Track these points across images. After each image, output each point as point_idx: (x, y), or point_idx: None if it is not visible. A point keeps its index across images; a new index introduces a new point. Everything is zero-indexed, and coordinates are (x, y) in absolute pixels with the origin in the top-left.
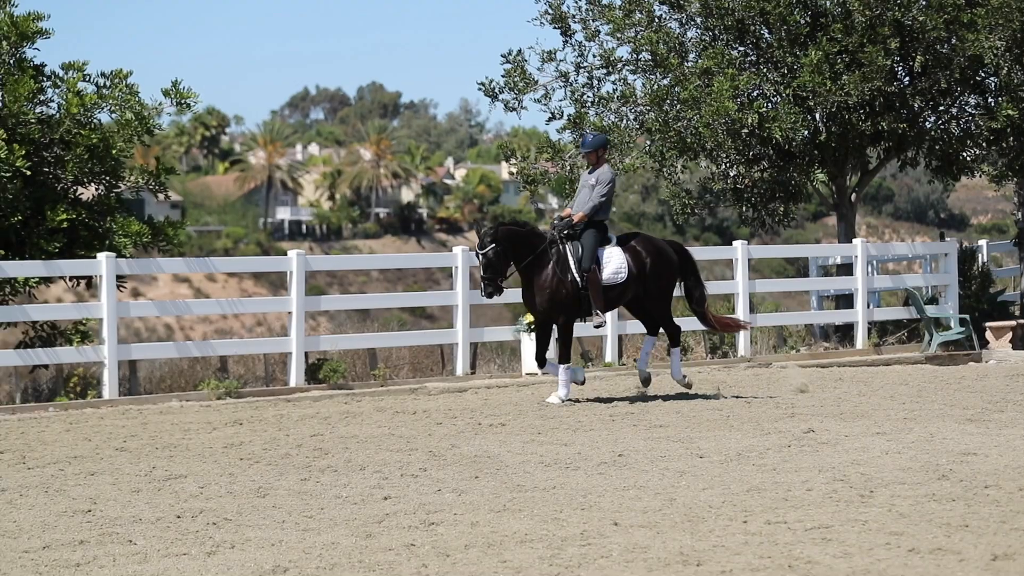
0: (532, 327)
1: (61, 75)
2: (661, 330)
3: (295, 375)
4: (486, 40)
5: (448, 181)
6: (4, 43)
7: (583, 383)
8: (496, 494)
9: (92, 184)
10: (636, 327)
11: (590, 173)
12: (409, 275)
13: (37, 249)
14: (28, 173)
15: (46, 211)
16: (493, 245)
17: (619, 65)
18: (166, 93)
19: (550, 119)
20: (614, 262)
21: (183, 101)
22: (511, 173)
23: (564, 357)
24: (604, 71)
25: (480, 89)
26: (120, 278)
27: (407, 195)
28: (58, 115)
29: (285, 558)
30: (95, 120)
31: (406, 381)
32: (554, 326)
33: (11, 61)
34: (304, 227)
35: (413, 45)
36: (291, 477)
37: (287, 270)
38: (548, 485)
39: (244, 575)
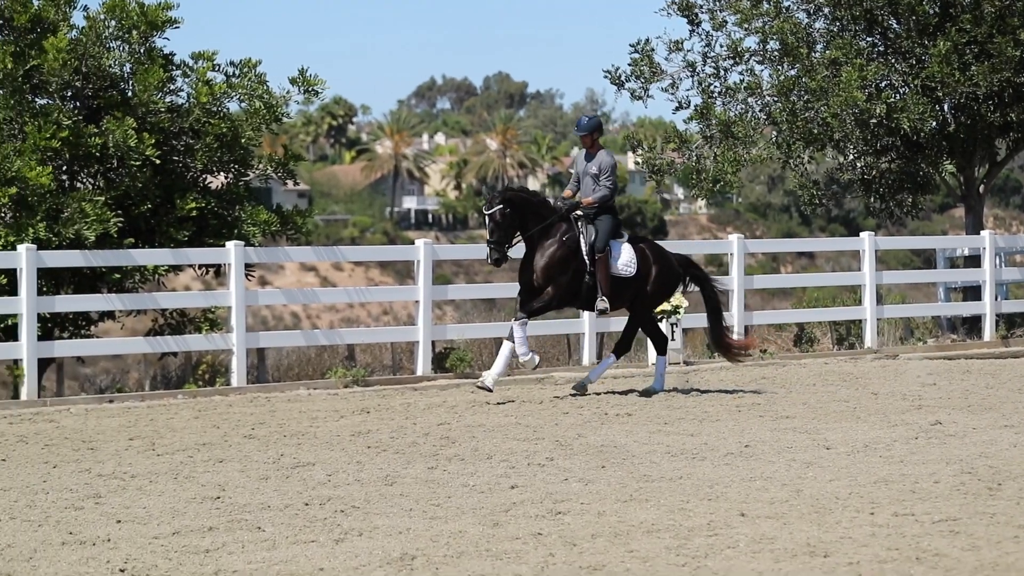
0: (658, 317)
1: (191, 64)
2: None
3: (422, 364)
4: (613, 31)
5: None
6: (134, 32)
7: (534, 368)
8: (623, 484)
9: (221, 173)
10: (763, 319)
11: (587, 160)
12: None
13: (166, 237)
14: (158, 162)
15: (175, 199)
16: (501, 206)
17: (746, 55)
18: (294, 82)
19: (677, 109)
20: (625, 255)
21: (311, 90)
22: (637, 163)
23: (532, 311)
24: (731, 61)
25: (606, 76)
26: (248, 266)
27: (533, 185)
28: (187, 104)
29: (412, 546)
30: (224, 109)
31: (532, 371)
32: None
33: (141, 50)
34: (430, 216)
35: (540, 35)
36: (418, 465)
37: (414, 259)
38: (674, 475)
39: (372, 562)
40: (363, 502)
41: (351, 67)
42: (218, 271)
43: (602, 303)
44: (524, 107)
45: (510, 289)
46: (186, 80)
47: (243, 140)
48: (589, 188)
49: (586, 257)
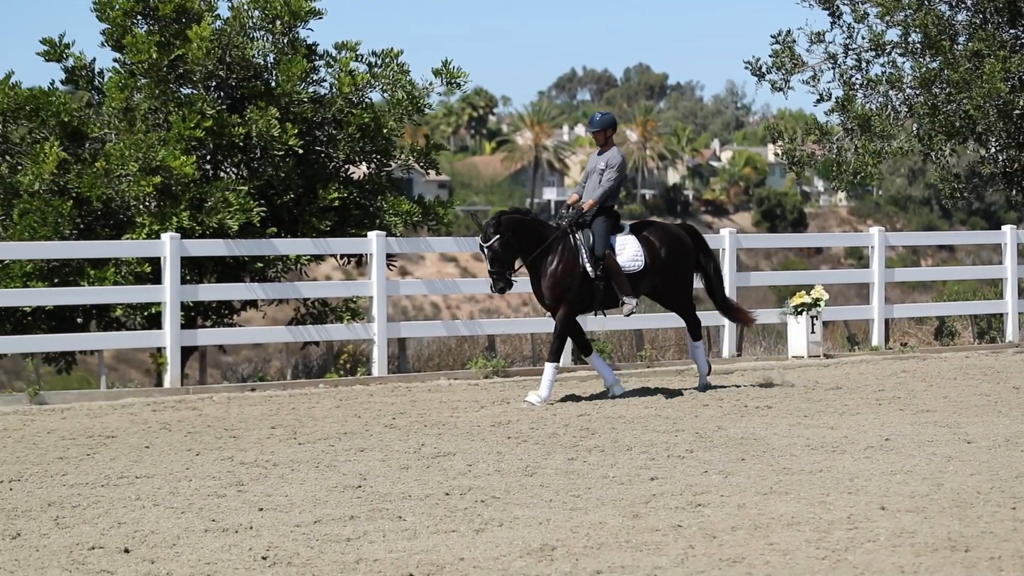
0: (799, 310)
1: (333, 55)
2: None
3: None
4: (753, 22)
5: (714, 163)
6: (278, 23)
7: (619, 395)
8: (762, 476)
9: (363, 163)
10: (903, 312)
11: (599, 155)
12: None
13: (309, 227)
14: (300, 152)
15: (318, 189)
16: (498, 236)
17: (888, 48)
18: (437, 73)
19: (818, 101)
20: (629, 249)
21: (453, 81)
22: (777, 155)
23: (554, 355)
24: (872, 53)
25: (747, 68)
26: (390, 256)
27: (673, 177)
28: (330, 94)
29: (553, 537)
30: (367, 99)
31: (672, 362)
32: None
33: (284, 41)
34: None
35: (680, 26)
36: (558, 456)
37: None
38: (814, 468)
39: (512, 552)
40: (503, 492)
41: (492, 58)
42: (360, 261)
43: (628, 304)
44: (664, 99)
45: None
46: (329, 70)
47: (385, 130)
48: (594, 185)
49: (588, 265)
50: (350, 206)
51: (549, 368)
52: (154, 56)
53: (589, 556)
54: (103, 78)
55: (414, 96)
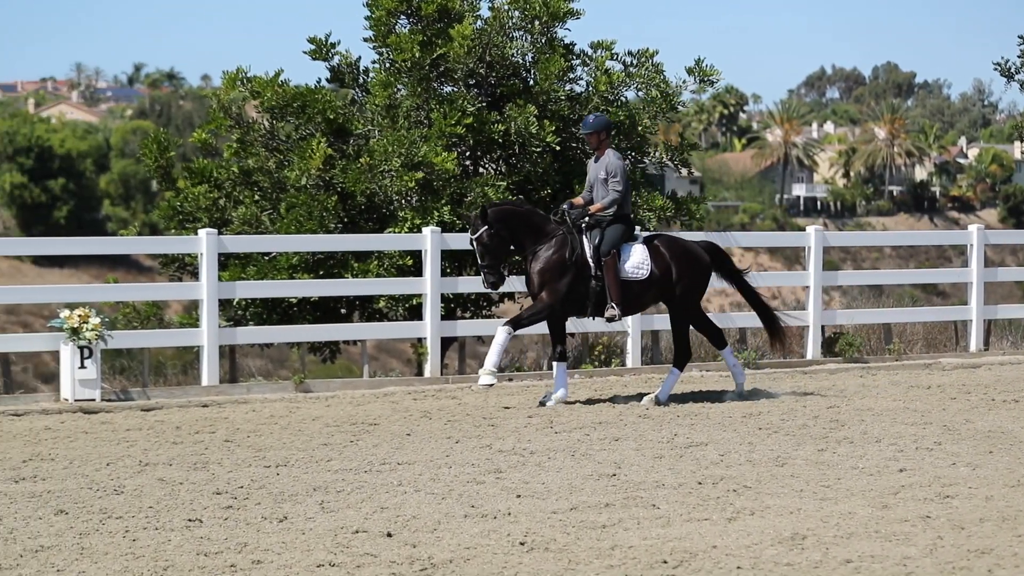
0: None
1: (590, 54)
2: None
3: (812, 348)
4: (1002, 22)
5: (960, 160)
6: (536, 23)
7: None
8: (1010, 469)
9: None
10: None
11: (595, 161)
12: (921, 252)
13: None
14: (558, 148)
15: (574, 185)
16: (486, 227)
17: None
18: (690, 71)
19: None
20: (636, 257)
21: (706, 79)
22: (1023, 153)
23: (515, 323)
24: None
25: (996, 68)
26: None
27: (920, 173)
28: (586, 93)
29: (803, 526)
30: (622, 98)
31: (920, 356)
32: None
33: (543, 40)
34: (819, 203)
35: (929, 25)
36: (808, 447)
37: (805, 245)
38: None
39: (763, 541)
40: (754, 482)
41: (743, 57)
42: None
43: (611, 310)
44: (912, 96)
45: (897, 276)
46: (585, 69)
47: (640, 128)
48: (599, 193)
49: (591, 261)
50: None
51: (502, 331)
52: (417, 55)
53: (839, 545)
54: (367, 76)
55: (668, 94)
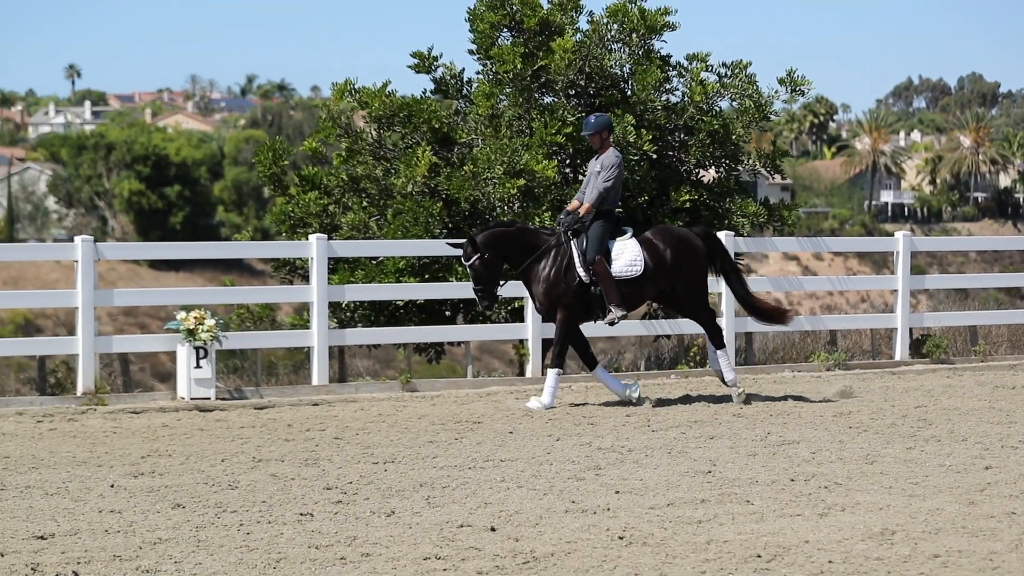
0: None
1: (685, 65)
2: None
3: (900, 349)
4: None
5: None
6: (634, 35)
7: (638, 402)
8: None
9: (712, 167)
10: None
11: (596, 159)
12: (1005, 256)
13: None
14: (654, 156)
15: (670, 192)
16: (477, 255)
17: None
18: (782, 82)
19: None
20: (627, 254)
21: (797, 89)
22: None
23: (556, 360)
24: None
25: None
26: (737, 255)
27: (1004, 180)
28: (682, 103)
29: (892, 522)
30: (716, 107)
31: (1005, 357)
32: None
33: (640, 52)
34: (906, 209)
35: (1014, 37)
36: (897, 446)
37: (893, 250)
38: None
39: (853, 536)
40: (845, 479)
41: (833, 67)
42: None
43: (611, 314)
44: (996, 106)
45: (982, 280)
46: (681, 80)
47: (734, 137)
48: (589, 189)
49: (581, 270)
50: (700, 207)
51: (551, 375)
52: (519, 66)
53: (927, 540)
54: (471, 87)
55: (760, 104)
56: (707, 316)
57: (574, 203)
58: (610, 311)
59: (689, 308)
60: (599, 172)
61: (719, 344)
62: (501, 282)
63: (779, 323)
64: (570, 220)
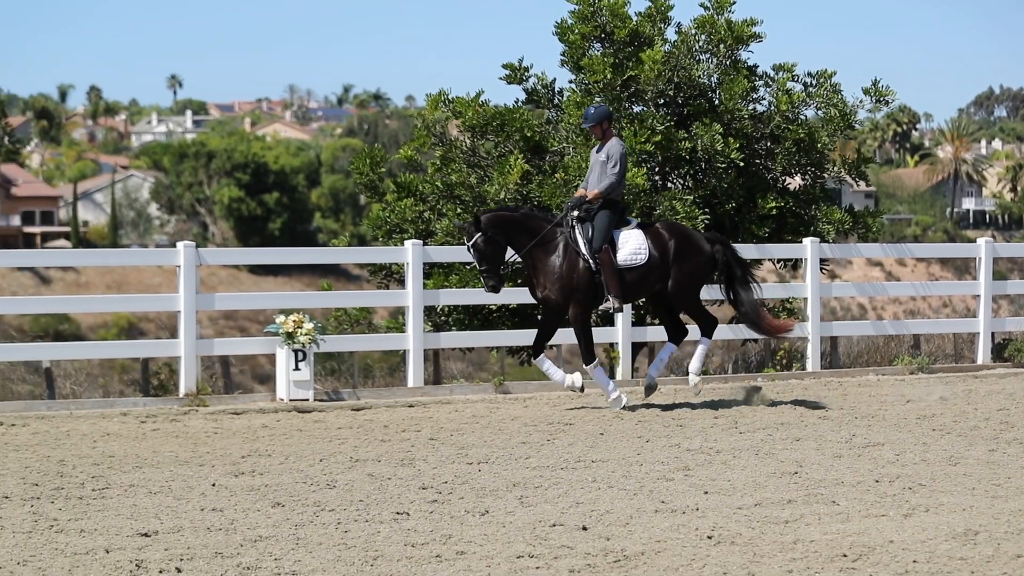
0: None
1: (772, 75)
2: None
3: (982, 353)
4: None
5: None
6: (721, 46)
7: (581, 390)
8: None
9: (798, 175)
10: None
11: (598, 150)
12: None
13: (748, 234)
14: (741, 164)
15: (757, 199)
16: (480, 234)
17: None
18: (866, 91)
19: None
20: (632, 243)
21: (881, 99)
22: None
23: (587, 356)
24: None
25: None
26: (822, 261)
27: None
28: (768, 112)
29: (975, 522)
30: (802, 116)
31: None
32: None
33: (727, 62)
34: (987, 216)
35: None
36: (979, 448)
37: (976, 256)
38: None
39: (937, 536)
40: (929, 480)
41: (915, 77)
42: (795, 265)
43: (606, 303)
44: None
45: None
46: (767, 89)
47: (819, 145)
48: (595, 178)
49: (588, 258)
50: (786, 214)
51: (594, 372)
52: (609, 76)
53: (1010, 541)
54: (562, 97)
55: (845, 113)
56: (702, 310)
57: (580, 191)
58: (607, 300)
59: (683, 303)
60: (605, 162)
61: (709, 334)
62: (505, 263)
63: (781, 334)
64: (575, 203)
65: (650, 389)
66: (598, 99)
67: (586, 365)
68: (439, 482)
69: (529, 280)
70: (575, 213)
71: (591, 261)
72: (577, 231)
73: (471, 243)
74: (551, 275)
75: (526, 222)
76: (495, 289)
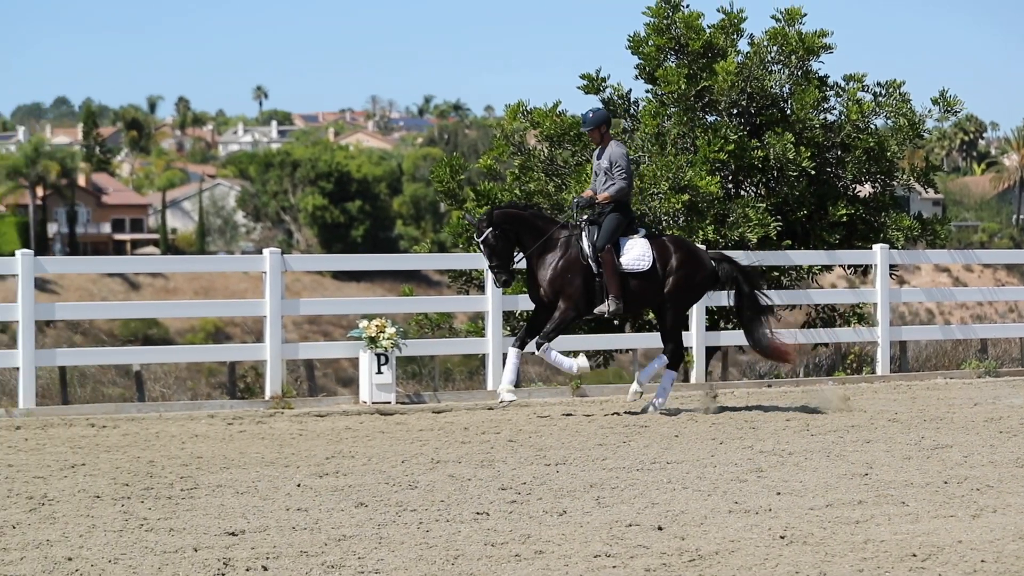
0: None
1: (842, 85)
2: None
3: None
4: None
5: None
6: (793, 57)
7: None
8: None
9: (868, 183)
10: None
11: (599, 157)
12: None
13: (819, 240)
14: (812, 173)
15: (828, 206)
16: (491, 229)
17: None
18: (934, 101)
19: None
20: (636, 250)
21: (949, 108)
22: None
23: (547, 338)
24: None
25: None
26: (892, 267)
27: None
28: (839, 121)
29: None
30: (871, 125)
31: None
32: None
33: (799, 73)
34: None
35: None
36: None
37: None
38: None
39: (1005, 536)
40: (996, 481)
41: (982, 87)
42: (864, 271)
43: (605, 305)
44: None
45: None
46: (838, 99)
47: (888, 153)
48: (601, 183)
49: (590, 259)
50: (856, 221)
51: (545, 354)
52: (683, 87)
53: None
54: (637, 107)
55: (914, 123)
56: (677, 335)
57: (587, 192)
58: (608, 302)
59: (668, 318)
60: (609, 167)
61: (674, 366)
62: (515, 258)
63: (781, 361)
64: (584, 202)
65: (636, 394)
66: (673, 109)
67: (538, 344)
68: (518, 483)
69: (529, 280)
70: (585, 216)
71: (592, 263)
72: (584, 233)
73: (482, 238)
74: (547, 267)
75: (534, 221)
76: (507, 284)
